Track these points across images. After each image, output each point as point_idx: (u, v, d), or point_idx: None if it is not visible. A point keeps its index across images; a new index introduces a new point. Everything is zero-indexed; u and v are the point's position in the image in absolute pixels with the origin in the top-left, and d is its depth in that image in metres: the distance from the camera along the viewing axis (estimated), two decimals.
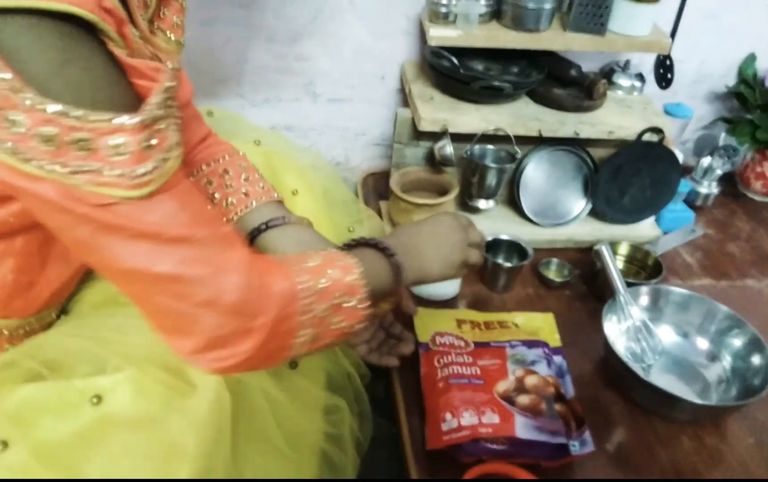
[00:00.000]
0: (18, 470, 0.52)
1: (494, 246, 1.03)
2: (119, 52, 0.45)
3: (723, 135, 1.26)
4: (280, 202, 0.79)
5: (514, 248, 1.04)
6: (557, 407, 0.75)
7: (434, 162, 1.09)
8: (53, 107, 0.41)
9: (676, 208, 1.19)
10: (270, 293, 0.52)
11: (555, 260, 1.06)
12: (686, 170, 1.22)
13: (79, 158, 0.42)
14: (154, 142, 0.45)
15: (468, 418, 0.73)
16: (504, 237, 1.04)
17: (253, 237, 0.74)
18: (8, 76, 0.40)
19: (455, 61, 1.03)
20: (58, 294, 0.68)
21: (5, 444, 0.53)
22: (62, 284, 0.67)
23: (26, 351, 0.62)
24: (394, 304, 0.75)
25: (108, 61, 0.44)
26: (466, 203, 1.13)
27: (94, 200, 0.44)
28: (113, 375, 0.58)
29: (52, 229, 0.48)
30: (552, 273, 1.05)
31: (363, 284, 0.59)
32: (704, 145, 1.27)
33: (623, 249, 1.08)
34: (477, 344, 0.85)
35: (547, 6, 1.02)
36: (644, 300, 0.93)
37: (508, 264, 0.99)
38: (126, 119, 0.43)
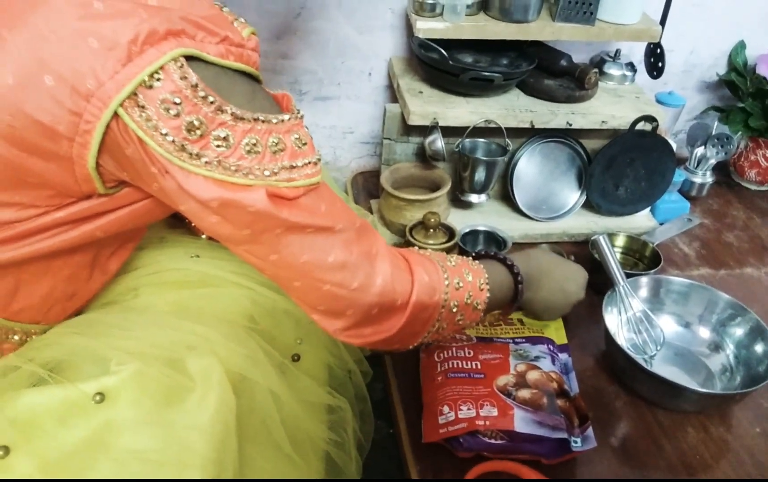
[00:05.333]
0: (20, 477, 0.49)
1: (471, 237, 1.01)
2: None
3: (716, 124, 1.24)
4: None
5: (492, 240, 1.02)
6: (560, 403, 0.73)
7: (425, 157, 1.07)
8: (255, 116, 0.50)
9: (671, 199, 1.17)
10: (417, 281, 0.60)
11: None
12: (680, 160, 1.21)
13: (276, 159, 0.51)
14: (309, 136, 0.54)
15: (466, 411, 0.70)
16: (481, 228, 1.02)
17: None
18: (215, 99, 0.48)
19: (444, 52, 1.01)
20: (87, 303, 0.68)
21: (6, 449, 0.50)
22: (96, 293, 0.67)
23: (27, 354, 0.60)
24: (496, 318, 0.83)
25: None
26: (458, 198, 1.10)
27: (290, 194, 0.51)
28: (117, 373, 0.55)
29: (232, 237, 0.54)
30: None
31: (488, 290, 0.67)
32: (697, 135, 1.26)
33: (620, 240, 1.06)
34: (480, 339, 0.82)
35: None
36: (644, 291, 0.91)
37: None
38: (296, 114, 0.53)
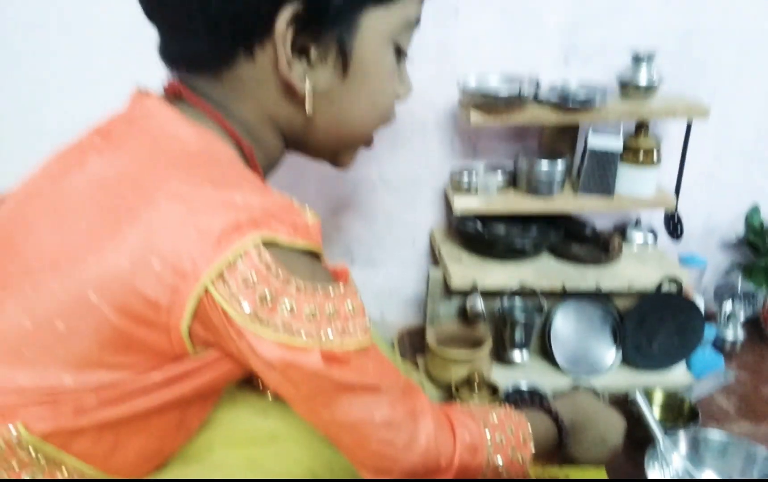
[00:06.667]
0: None
1: (515, 395, 1.07)
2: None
3: (740, 280, 1.31)
4: None
5: (535, 397, 1.07)
6: None
7: (467, 316, 1.16)
8: (315, 286, 0.58)
9: (705, 354, 1.22)
10: (460, 441, 0.65)
11: None
12: (711, 316, 1.26)
13: (331, 323, 0.58)
14: (361, 304, 0.62)
15: None
16: (524, 387, 1.09)
17: None
18: (284, 274, 0.57)
19: (480, 226, 1.14)
20: (169, 458, 0.74)
21: None
22: (178, 448, 0.73)
23: None
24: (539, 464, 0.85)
25: None
26: (500, 355, 1.17)
27: (341, 355, 0.58)
28: None
29: (291, 394, 0.61)
30: None
31: (532, 445, 0.71)
32: (724, 291, 1.32)
33: (658, 396, 1.09)
34: None
35: (558, 174, 1.15)
36: (683, 446, 0.93)
37: None
38: (352, 287, 0.62)
